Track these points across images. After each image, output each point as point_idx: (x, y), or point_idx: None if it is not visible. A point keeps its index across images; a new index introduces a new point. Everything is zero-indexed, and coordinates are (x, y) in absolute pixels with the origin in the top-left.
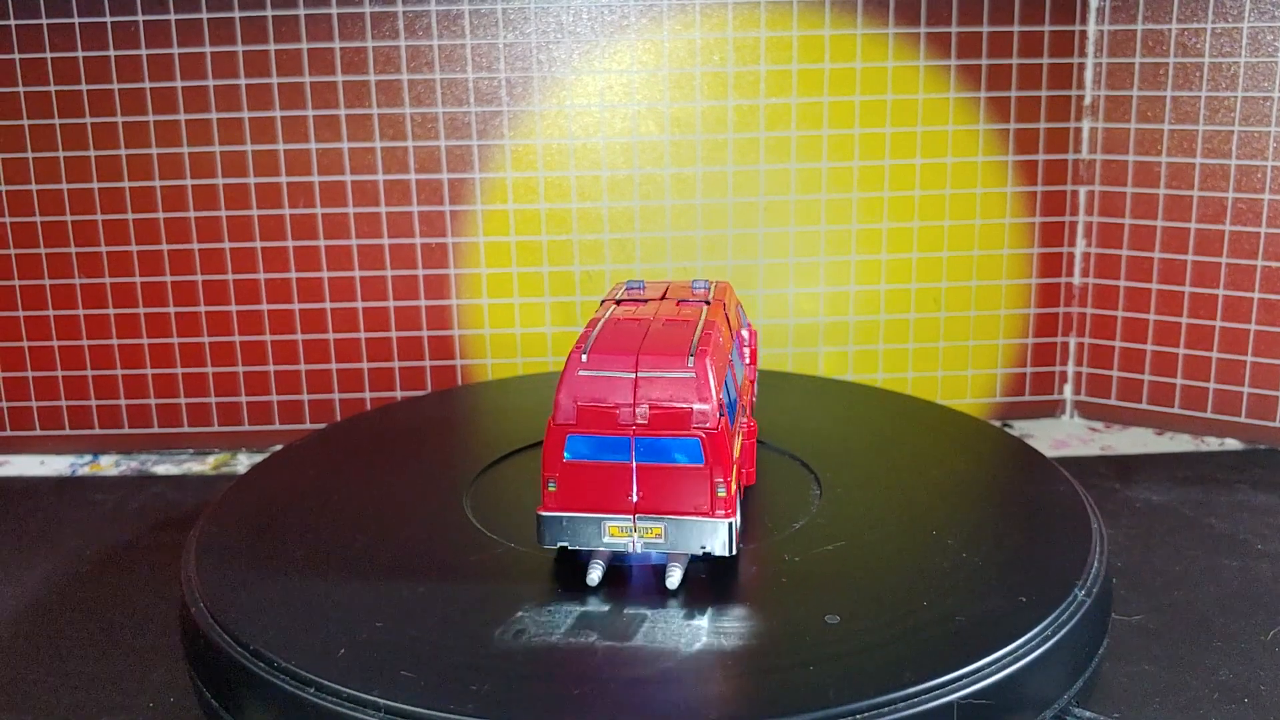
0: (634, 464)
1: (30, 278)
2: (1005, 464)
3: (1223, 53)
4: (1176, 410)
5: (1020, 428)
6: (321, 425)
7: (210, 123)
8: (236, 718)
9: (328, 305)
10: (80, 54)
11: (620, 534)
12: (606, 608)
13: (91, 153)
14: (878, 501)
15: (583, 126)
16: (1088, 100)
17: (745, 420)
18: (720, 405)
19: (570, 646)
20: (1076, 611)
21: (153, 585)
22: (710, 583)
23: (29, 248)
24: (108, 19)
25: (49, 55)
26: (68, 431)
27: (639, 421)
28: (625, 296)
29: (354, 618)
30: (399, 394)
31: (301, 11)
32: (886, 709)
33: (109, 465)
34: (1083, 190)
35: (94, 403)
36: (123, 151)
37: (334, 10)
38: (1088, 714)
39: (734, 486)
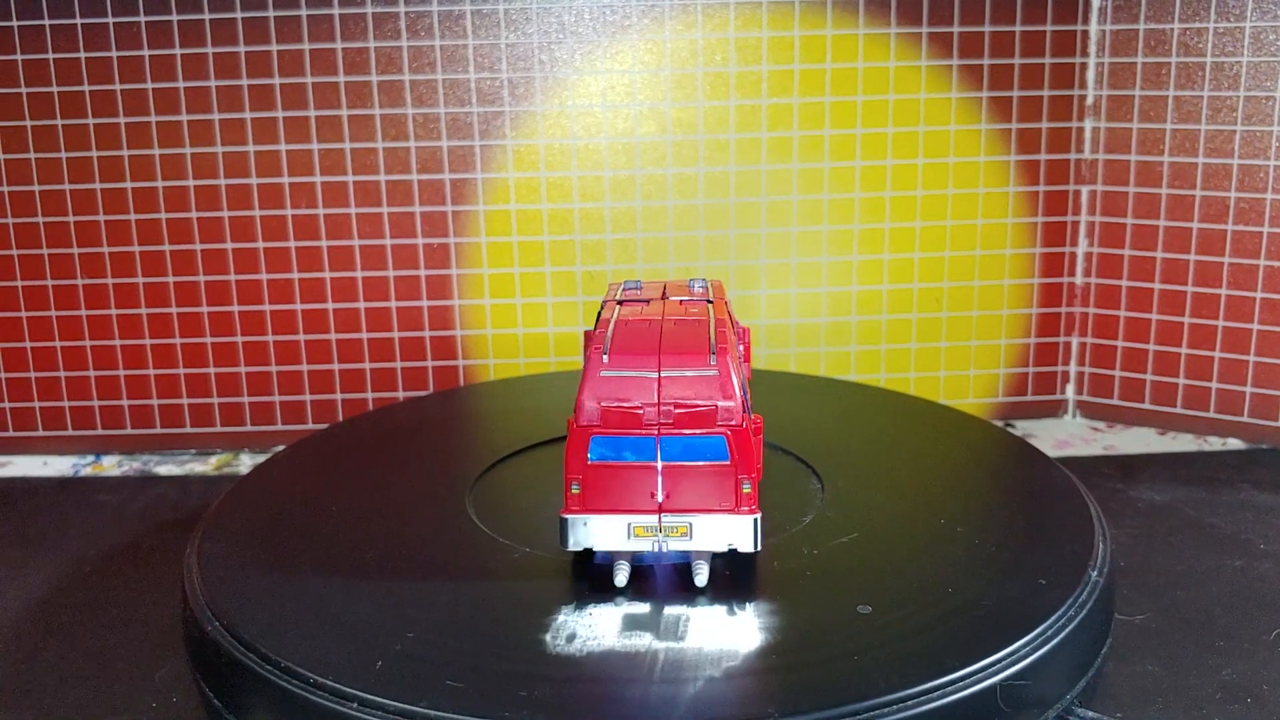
0: (659, 463)
1: (33, 278)
2: (1006, 463)
3: (1225, 52)
4: (1179, 410)
5: (1023, 428)
6: (324, 425)
7: (212, 123)
8: (239, 718)
9: (330, 305)
10: (82, 55)
11: (645, 534)
12: (647, 608)
13: (94, 153)
14: (880, 495)
15: (585, 127)
16: (1090, 100)
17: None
18: (743, 402)
19: (627, 649)
20: (1093, 593)
21: (155, 585)
22: (738, 579)
23: (32, 248)
24: (110, 20)
25: (51, 56)
26: (70, 432)
27: (664, 421)
28: (625, 297)
29: (378, 625)
30: (401, 394)
31: (304, 12)
32: (936, 694)
33: (111, 466)
34: (1085, 190)
35: (96, 403)
36: (125, 152)
37: (336, 11)
38: (1090, 714)
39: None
